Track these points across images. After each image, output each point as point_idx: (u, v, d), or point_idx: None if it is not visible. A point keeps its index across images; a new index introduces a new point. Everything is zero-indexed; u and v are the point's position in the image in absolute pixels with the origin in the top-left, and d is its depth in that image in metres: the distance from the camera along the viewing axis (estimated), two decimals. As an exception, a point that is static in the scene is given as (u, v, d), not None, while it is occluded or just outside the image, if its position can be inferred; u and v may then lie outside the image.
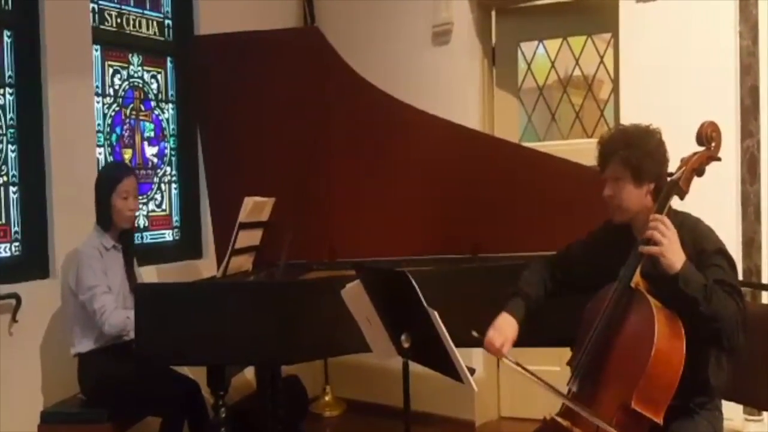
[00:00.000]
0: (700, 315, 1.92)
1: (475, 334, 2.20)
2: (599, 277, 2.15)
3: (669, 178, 2.10)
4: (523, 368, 2.10)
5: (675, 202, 2.12)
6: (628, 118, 3.62)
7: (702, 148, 2.10)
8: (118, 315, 2.96)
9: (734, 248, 3.27)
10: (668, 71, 3.52)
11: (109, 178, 3.13)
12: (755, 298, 3.12)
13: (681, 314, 1.99)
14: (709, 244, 2.07)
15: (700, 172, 2.10)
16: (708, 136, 2.09)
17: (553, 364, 2.57)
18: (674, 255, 1.95)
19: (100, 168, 3.61)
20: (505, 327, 2.23)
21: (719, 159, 2.13)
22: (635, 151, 2.10)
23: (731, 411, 2.24)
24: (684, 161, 2.10)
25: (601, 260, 2.18)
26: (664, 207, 2.06)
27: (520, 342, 2.45)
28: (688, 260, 1.96)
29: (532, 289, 2.34)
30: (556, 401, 2.19)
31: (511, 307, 2.28)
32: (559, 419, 2.07)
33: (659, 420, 1.96)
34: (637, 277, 2.07)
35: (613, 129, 2.21)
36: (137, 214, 3.68)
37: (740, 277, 3.18)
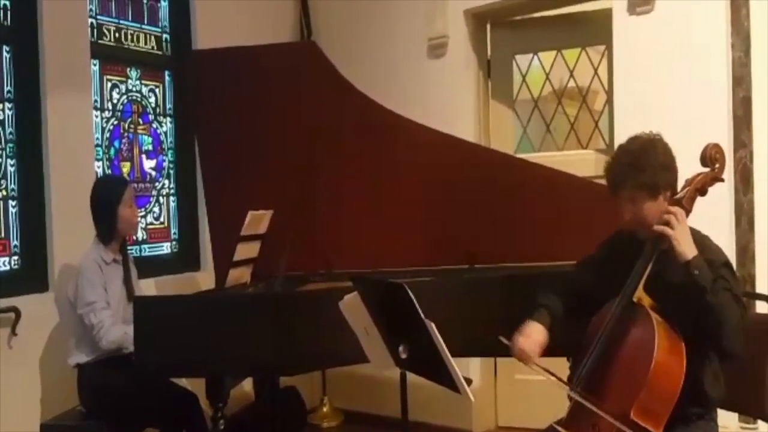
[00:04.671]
0: (706, 306, 1.94)
1: (503, 340, 2.21)
2: (611, 289, 2.15)
3: (673, 197, 2.13)
4: (555, 375, 2.11)
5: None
6: (622, 129, 3.67)
7: (706, 170, 2.13)
8: (116, 331, 2.97)
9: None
10: (661, 82, 3.55)
11: (112, 191, 3.13)
12: (749, 307, 3.14)
13: (685, 314, 2.01)
14: (716, 256, 2.09)
15: (703, 192, 2.13)
16: (712, 157, 2.12)
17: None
18: (686, 243, 1.99)
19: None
20: (533, 332, 2.24)
21: (722, 180, 2.16)
22: (647, 171, 2.09)
23: (726, 419, 2.26)
24: (688, 182, 2.13)
25: (612, 272, 2.18)
26: None
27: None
28: (699, 254, 1.99)
29: (552, 302, 2.34)
30: (553, 410, 2.21)
31: (537, 316, 2.28)
32: (560, 428, 2.09)
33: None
34: (639, 292, 2.10)
35: (616, 153, 2.18)
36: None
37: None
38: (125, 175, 3.90)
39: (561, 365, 2.42)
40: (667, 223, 2.01)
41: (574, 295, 2.36)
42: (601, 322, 2.14)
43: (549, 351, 2.52)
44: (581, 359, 2.14)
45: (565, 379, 2.19)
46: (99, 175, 3.67)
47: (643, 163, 2.09)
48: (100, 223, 3.13)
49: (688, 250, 1.98)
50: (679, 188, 2.15)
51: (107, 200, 3.11)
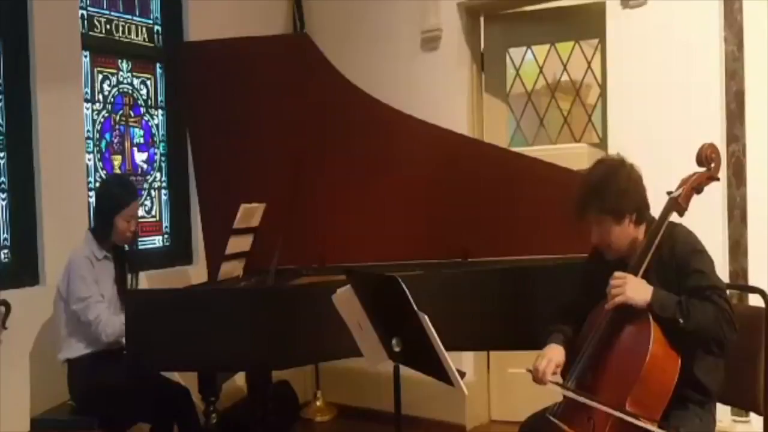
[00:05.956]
0: (685, 331, 1.99)
1: (529, 369, 2.21)
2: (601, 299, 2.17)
3: (669, 195, 2.16)
4: (573, 391, 2.08)
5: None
6: (615, 123, 3.68)
7: (702, 169, 2.16)
8: (115, 322, 2.94)
9: (720, 251, 3.31)
10: (654, 76, 3.55)
11: (116, 200, 3.07)
12: (742, 300, 3.14)
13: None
14: (687, 246, 2.13)
15: (699, 191, 2.17)
16: (708, 157, 2.16)
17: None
18: (637, 293, 2.04)
19: (102, 178, 3.68)
20: (549, 352, 2.24)
21: (718, 179, 2.19)
22: (607, 197, 2.13)
23: (719, 412, 2.26)
24: (684, 180, 2.17)
25: (599, 284, 2.18)
26: (663, 223, 2.13)
27: (511, 345, 2.46)
28: (655, 288, 2.04)
29: (561, 323, 2.35)
30: (547, 404, 2.21)
31: (553, 339, 2.30)
32: (557, 421, 2.09)
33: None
34: None
35: (580, 181, 2.23)
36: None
37: (727, 279, 3.23)
38: (116, 168, 3.88)
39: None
40: (615, 294, 2.05)
41: (576, 319, 2.35)
42: (597, 318, 2.16)
43: (526, 345, 2.53)
44: (577, 353, 2.16)
45: (564, 371, 2.20)
46: (90, 168, 3.66)
47: (605, 191, 2.14)
48: (98, 221, 3.13)
49: (642, 297, 2.03)
50: (674, 187, 2.18)
51: (108, 205, 3.07)
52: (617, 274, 2.08)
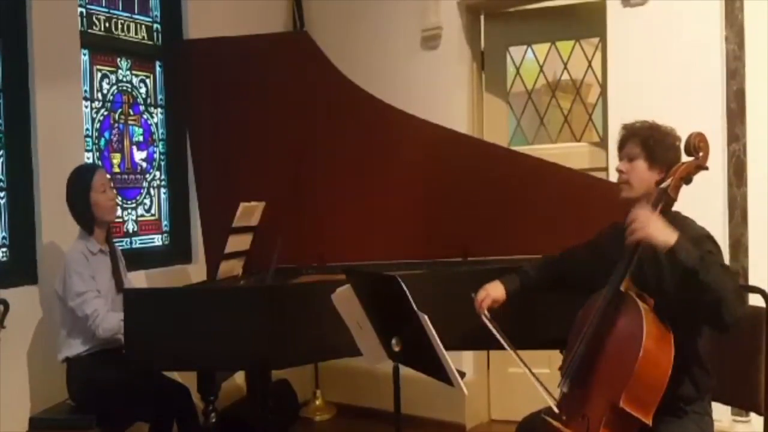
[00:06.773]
0: (702, 285, 1.92)
1: (473, 295, 2.42)
2: (601, 276, 2.18)
3: (658, 186, 2.15)
4: (498, 331, 2.30)
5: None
6: (615, 122, 3.64)
7: (690, 158, 2.15)
8: (112, 318, 2.94)
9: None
10: (655, 75, 3.54)
11: (80, 179, 3.09)
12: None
13: (673, 297, 2.05)
14: (696, 232, 2.13)
15: (687, 181, 2.15)
16: (696, 146, 2.14)
17: (543, 366, 2.58)
18: (662, 233, 1.98)
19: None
20: (489, 286, 2.45)
21: (707, 168, 2.17)
22: (655, 137, 2.21)
23: (719, 412, 2.26)
24: (672, 171, 2.15)
25: (604, 259, 2.21)
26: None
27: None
28: (680, 235, 1.98)
29: (532, 269, 2.51)
30: (546, 403, 2.21)
31: (504, 278, 2.49)
32: (551, 420, 2.09)
33: (648, 421, 1.99)
34: (626, 282, 2.12)
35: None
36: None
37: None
38: (116, 166, 3.87)
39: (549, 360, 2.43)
40: (636, 228, 2.01)
41: (563, 266, 2.49)
42: (590, 313, 2.16)
43: (541, 344, 2.55)
44: (572, 349, 2.16)
45: (559, 367, 2.23)
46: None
47: (657, 133, 2.22)
48: (77, 215, 3.11)
49: (667, 238, 1.97)
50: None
51: (78, 190, 3.08)
52: (638, 210, 2.05)
